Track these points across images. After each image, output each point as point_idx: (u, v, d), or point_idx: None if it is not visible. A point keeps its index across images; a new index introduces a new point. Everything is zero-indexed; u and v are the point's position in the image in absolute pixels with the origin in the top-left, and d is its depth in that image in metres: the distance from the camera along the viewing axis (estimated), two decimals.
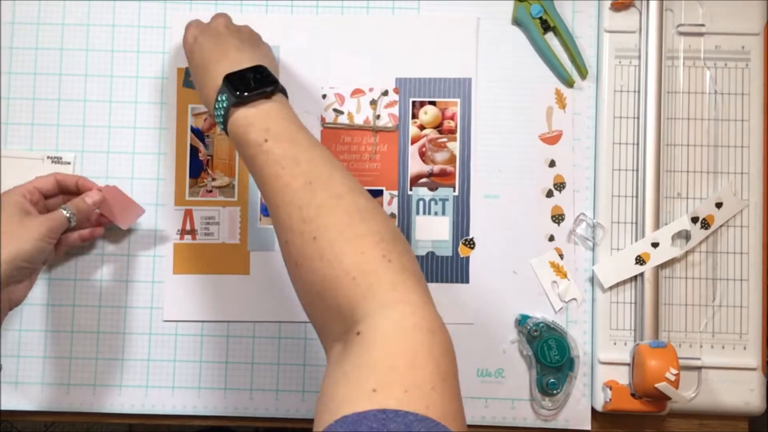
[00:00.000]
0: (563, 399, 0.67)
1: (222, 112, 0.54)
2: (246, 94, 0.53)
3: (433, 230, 0.70)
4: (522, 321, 0.67)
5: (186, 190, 0.70)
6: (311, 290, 0.47)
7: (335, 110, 0.70)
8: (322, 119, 0.70)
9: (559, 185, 0.70)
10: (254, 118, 0.52)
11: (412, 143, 0.70)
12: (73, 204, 0.62)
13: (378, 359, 0.40)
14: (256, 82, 0.54)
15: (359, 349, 0.41)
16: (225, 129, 0.54)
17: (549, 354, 0.66)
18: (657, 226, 0.67)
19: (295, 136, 0.52)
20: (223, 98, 0.54)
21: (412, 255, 0.48)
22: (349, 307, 0.44)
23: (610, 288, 0.68)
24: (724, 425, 0.69)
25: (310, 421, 0.69)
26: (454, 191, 0.70)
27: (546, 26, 0.69)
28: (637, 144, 0.68)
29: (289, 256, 0.48)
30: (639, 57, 0.69)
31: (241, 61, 0.56)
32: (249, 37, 0.62)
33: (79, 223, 0.62)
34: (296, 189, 0.48)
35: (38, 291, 0.69)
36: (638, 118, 0.68)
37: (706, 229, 0.67)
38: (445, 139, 0.70)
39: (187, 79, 0.70)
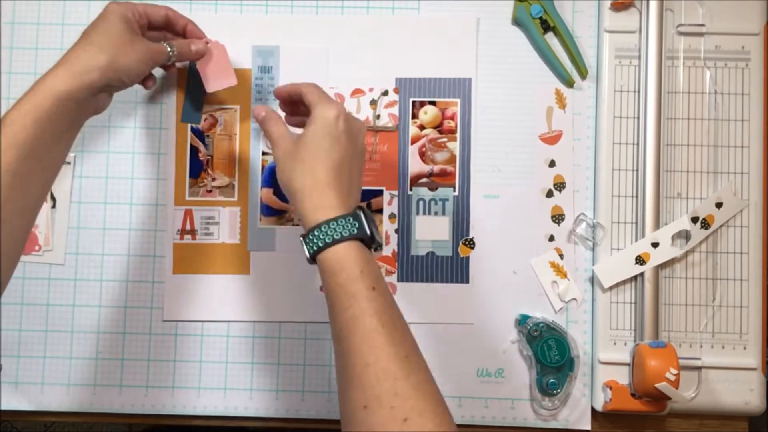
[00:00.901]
0: (563, 399, 0.67)
1: (339, 236, 0.51)
2: (375, 238, 0.52)
3: (433, 230, 0.70)
4: (522, 321, 0.67)
5: (186, 190, 0.70)
6: None
7: None
8: None
9: (559, 185, 0.70)
10: (367, 262, 0.51)
11: (412, 143, 0.70)
12: (177, 43, 0.63)
13: None
14: (377, 231, 0.53)
15: None
16: (322, 248, 0.51)
17: (549, 354, 0.66)
18: (657, 226, 0.67)
19: (393, 299, 0.52)
20: (354, 225, 0.51)
21: None
22: None
23: (610, 288, 0.68)
24: (724, 425, 0.69)
25: (310, 421, 0.69)
26: (454, 191, 0.70)
27: (546, 26, 0.69)
28: (637, 144, 0.68)
29: (362, 423, 0.45)
30: (639, 57, 0.69)
31: (359, 199, 0.56)
32: (362, 169, 0.59)
33: (179, 60, 0.64)
34: (393, 357, 0.47)
35: (38, 291, 0.69)
36: (638, 118, 0.68)
37: (706, 229, 0.67)
38: (445, 139, 0.70)
39: (186, 110, 0.70)
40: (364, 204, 0.53)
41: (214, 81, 0.66)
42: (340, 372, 0.49)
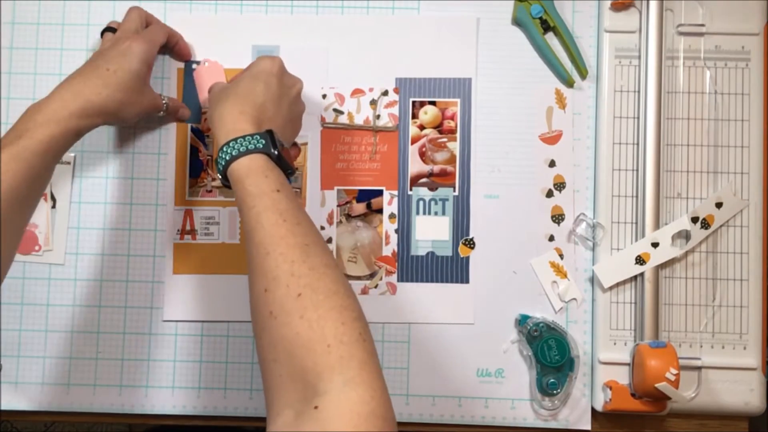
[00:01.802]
0: (563, 399, 0.67)
1: (245, 149, 0.54)
2: (280, 154, 0.55)
3: (433, 230, 0.70)
4: (522, 321, 0.67)
5: (186, 190, 0.70)
6: (279, 345, 0.46)
7: (335, 110, 0.70)
8: (322, 119, 0.70)
9: (559, 185, 0.70)
10: (272, 170, 0.54)
11: (412, 143, 0.70)
12: (170, 103, 0.68)
13: None
14: (287, 154, 0.57)
15: (313, 424, 0.42)
16: (229, 161, 0.54)
17: (549, 354, 0.66)
18: (657, 226, 0.67)
19: (300, 203, 0.55)
20: (260, 140, 0.54)
21: (373, 341, 0.49)
22: (315, 373, 0.44)
23: (610, 288, 0.68)
24: (724, 425, 0.69)
25: None
26: (454, 191, 0.70)
27: (546, 26, 0.69)
28: (637, 144, 0.68)
29: (265, 304, 0.48)
30: (639, 57, 0.69)
31: (285, 128, 0.60)
32: (300, 112, 0.65)
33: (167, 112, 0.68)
34: (292, 244, 0.49)
35: (38, 291, 0.69)
36: (638, 118, 0.68)
37: (706, 229, 0.67)
38: (445, 139, 0.70)
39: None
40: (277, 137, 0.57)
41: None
42: (248, 267, 0.51)
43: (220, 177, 0.55)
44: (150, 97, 0.64)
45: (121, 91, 0.60)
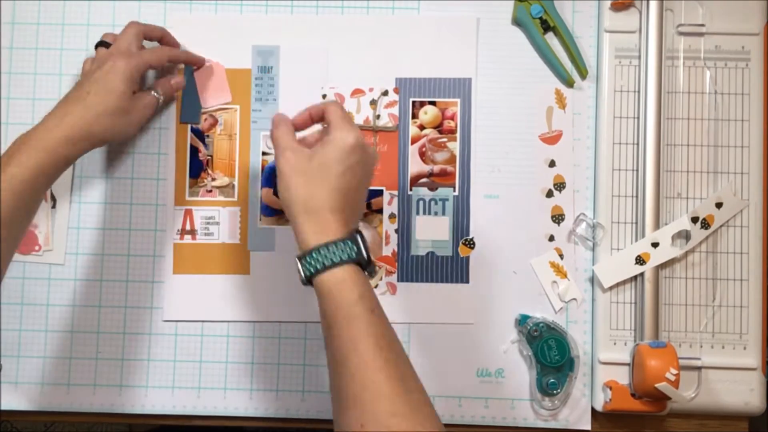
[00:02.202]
0: (563, 399, 0.67)
1: (339, 259, 0.51)
2: (371, 263, 0.52)
3: (433, 230, 0.70)
4: (522, 321, 0.67)
5: (186, 190, 0.70)
6: None
7: None
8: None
9: (559, 185, 0.70)
10: (364, 284, 0.51)
11: (412, 143, 0.70)
12: (160, 85, 0.66)
13: None
14: (367, 249, 0.53)
15: None
16: (319, 271, 0.51)
17: (549, 354, 0.66)
18: (657, 226, 0.67)
19: (388, 321, 0.52)
20: (352, 247, 0.51)
21: None
22: None
23: (610, 288, 0.68)
24: (724, 425, 0.69)
25: (310, 421, 0.69)
26: (454, 191, 0.70)
27: (546, 26, 0.69)
28: (637, 144, 0.68)
29: None
30: (639, 57, 0.69)
31: (362, 203, 0.57)
32: (365, 196, 0.59)
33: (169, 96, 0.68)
34: (391, 378, 0.47)
35: (38, 290, 0.69)
36: (638, 118, 0.68)
37: (706, 229, 0.67)
38: (445, 139, 0.70)
39: (186, 110, 0.70)
40: (359, 226, 0.54)
41: (211, 98, 0.69)
42: (337, 393, 0.49)
43: (302, 279, 0.52)
44: (141, 106, 0.63)
45: (105, 115, 0.59)
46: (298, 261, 0.52)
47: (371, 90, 0.70)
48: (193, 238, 0.70)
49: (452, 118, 0.70)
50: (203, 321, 0.69)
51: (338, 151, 0.53)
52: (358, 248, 0.52)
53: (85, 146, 0.59)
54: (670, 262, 0.67)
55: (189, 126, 0.70)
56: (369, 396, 0.47)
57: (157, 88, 0.65)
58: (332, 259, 0.51)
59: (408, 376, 0.49)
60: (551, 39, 0.70)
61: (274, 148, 0.56)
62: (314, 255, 0.51)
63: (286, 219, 0.69)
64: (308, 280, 0.52)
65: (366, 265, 0.52)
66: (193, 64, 0.69)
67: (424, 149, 0.70)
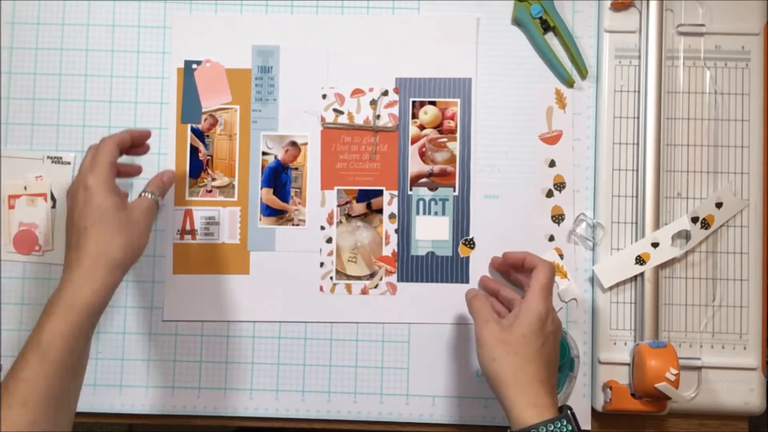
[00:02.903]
0: (563, 399, 0.67)
1: None
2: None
3: (433, 230, 0.70)
4: None
5: (186, 190, 0.70)
6: None
7: (335, 110, 0.70)
8: (322, 119, 0.70)
9: (559, 185, 0.70)
10: None
11: (412, 143, 0.70)
12: (155, 187, 0.62)
13: None
14: (578, 425, 0.54)
15: None
16: None
17: None
18: (657, 226, 0.67)
19: None
20: (568, 427, 0.52)
21: None
22: None
23: (610, 288, 0.68)
24: (724, 425, 0.69)
25: (310, 420, 0.69)
26: (454, 191, 0.70)
27: (546, 26, 0.69)
28: (637, 144, 0.68)
29: None
30: (639, 57, 0.69)
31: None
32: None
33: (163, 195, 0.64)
34: None
35: (39, 290, 0.69)
36: (638, 118, 0.68)
37: (706, 229, 0.67)
38: (445, 139, 0.70)
39: (186, 111, 0.70)
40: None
41: (210, 99, 0.69)
42: None
43: None
44: (142, 214, 0.58)
45: (118, 242, 0.55)
46: None
47: (371, 90, 0.70)
48: (193, 238, 0.70)
49: (452, 118, 0.70)
50: (203, 321, 0.69)
51: (536, 322, 0.56)
52: (572, 426, 0.52)
53: (118, 279, 0.55)
54: (670, 262, 0.67)
55: (189, 126, 0.70)
56: None
57: (150, 189, 0.61)
58: None
59: None
60: (551, 39, 0.70)
61: (475, 319, 0.59)
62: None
63: (287, 219, 0.69)
64: None
65: None
66: (143, 138, 0.64)
67: (424, 149, 0.70)
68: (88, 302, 0.53)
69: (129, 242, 0.56)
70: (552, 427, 0.52)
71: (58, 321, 0.52)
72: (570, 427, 0.52)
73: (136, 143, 0.63)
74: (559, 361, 0.60)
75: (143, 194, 0.61)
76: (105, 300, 0.54)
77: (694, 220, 0.67)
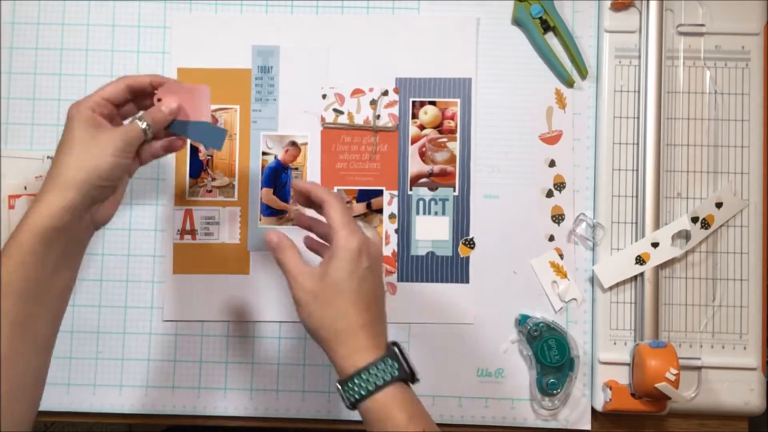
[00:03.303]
0: (563, 399, 0.67)
1: (382, 382, 0.49)
2: (415, 375, 0.51)
3: (433, 230, 0.70)
4: (522, 321, 0.67)
5: (186, 190, 0.70)
6: None
7: (335, 110, 0.70)
8: (322, 119, 0.70)
9: (559, 185, 0.70)
10: (413, 403, 0.50)
11: (412, 143, 0.70)
12: (149, 114, 0.56)
13: None
14: (408, 361, 0.51)
15: None
16: (364, 397, 0.49)
17: (549, 354, 0.66)
18: (657, 226, 0.67)
19: (432, 425, 0.50)
20: (393, 367, 0.49)
21: None
22: None
23: (610, 288, 0.68)
24: (724, 425, 0.69)
25: (310, 421, 0.69)
26: (454, 191, 0.70)
27: (546, 26, 0.69)
28: (637, 144, 0.68)
29: None
30: (639, 57, 0.69)
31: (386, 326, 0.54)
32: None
33: (158, 133, 0.57)
34: None
35: None
36: (638, 118, 0.68)
37: (706, 229, 0.67)
38: (445, 139, 0.70)
39: (207, 137, 0.63)
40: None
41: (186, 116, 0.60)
42: None
43: (347, 406, 0.50)
44: (111, 136, 0.53)
45: (69, 156, 0.51)
46: (339, 387, 0.50)
47: (371, 90, 0.70)
48: (193, 238, 0.70)
49: (452, 118, 0.70)
50: (203, 321, 0.69)
51: (347, 263, 0.51)
52: (399, 363, 0.50)
53: (70, 199, 0.50)
54: (670, 262, 0.67)
55: None
56: None
57: (145, 117, 0.56)
58: (375, 383, 0.49)
59: None
60: (551, 39, 0.70)
61: (284, 273, 0.53)
62: (355, 380, 0.49)
63: (287, 219, 0.69)
64: (352, 406, 0.50)
65: (411, 379, 0.51)
66: (160, 84, 0.58)
67: (424, 149, 0.70)
68: (36, 224, 0.49)
69: (85, 162, 0.51)
70: (375, 370, 0.49)
71: (9, 245, 0.49)
72: (396, 365, 0.49)
73: (155, 88, 0.57)
74: (384, 296, 0.54)
75: (133, 120, 0.56)
76: (58, 221, 0.49)
77: (694, 220, 0.67)
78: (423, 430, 0.48)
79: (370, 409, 0.49)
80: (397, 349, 0.51)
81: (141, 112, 0.57)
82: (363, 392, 0.49)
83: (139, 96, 0.58)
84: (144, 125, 0.55)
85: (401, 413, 0.48)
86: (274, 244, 0.54)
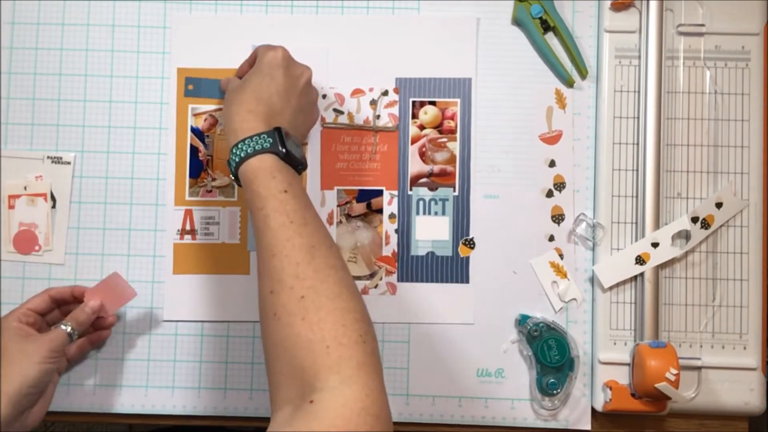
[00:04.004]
0: (563, 399, 0.67)
1: (252, 150, 0.54)
2: (290, 153, 0.55)
3: (433, 230, 0.70)
4: (522, 321, 0.67)
5: (186, 190, 0.70)
6: (281, 345, 0.48)
7: (335, 110, 0.70)
8: (322, 119, 0.70)
9: (559, 185, 0.70)
10: (280, 171, 0.54)
11: (412, 143, 0.70)
12: (72, 318, 0.61)
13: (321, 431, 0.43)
14: (297, 151, 0.57)
15: (307, 417, 0.43)
16: (239, 162, 0.55)
17: (549, 354, 0.66)
18: (657, 226, 0.67)
19: (308, 201, 0.55)
20: (267, 139, 0.55)
21: (377, 342, 0.50)
22: (313, 372, 0.45)
23: (610, 288, 0.68)
24: (724, 425, 0.69)
25: None
26: (454, 191, 0.70)
27: (546, 26, 0.69)
28: (637, 144, 0.68)
29: (270, 306, 0.49)
30: (639, 57, 0.69)
31: (296, 119, 0.61)
32: (312, 101, 0.65)
33: (82, 333, 0.62)
34: (298, 246, 0.50)
35: (39, 290, 0.69)
36: (638, 118, 0.68)
37: (706, 229, 0.67)
38: (445, 139, 0.70)
39: (187, 88, 0.70)
40: (288, 133, 0.58)
41: (114, 306, 0.65)
42: (258, 269, 0.52)
43: (233, 178, 0.56)
44: (36, 344, 0.58)
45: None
46: (227, 163, 0.57)
47: (371, 90, 0.70)
48: (193, 238, 0.70)
49: (452, 118, 0.70)
50: (203, 321, 0.69)
51: (259, 65, 0.60)
52: (274, 140, 0.55)
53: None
54: (670, 262, 0.67)
55: (189, 126, 0.70)
56: (277, 263, 0.50)
57: (66, 320, 0.60)
58: (247, 151, 0.54)
59: (319, 244, 0.51)
60: (551, 39, 0.70)
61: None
62: (234, 150, 0.55)
63: None
64: (236, 178, 0.56)
65: (285, 158, 0.55)
66: (82, 295, 0.63)
67: (424, 149, 0.70)
68: None
69: (14, 373, 0.55)
70: (249, 141, 0.55)
71: None
72: (270, 140, 0.55)
73: (77, 298, 0.63)
74: (302, 101, 0.62)
75: (58, 326, 0.60)
76: None
77: (694, 220, 0.67)
78: (282, 189, 0.53)
79: (243, 173, 0.55)
80: (277, 133, 0.56)
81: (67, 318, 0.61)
82: (237, 159, 0.55)
83: (63, 303, 0.64)
84: (69, 329, 0.60)
85: (266, 176, 0.53)
86: (224, 82, 0.67)
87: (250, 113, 0.57)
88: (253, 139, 0.55)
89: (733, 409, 0.67)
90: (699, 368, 0.67)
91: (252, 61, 0.64)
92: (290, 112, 0.60)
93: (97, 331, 0.66)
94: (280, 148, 0.55)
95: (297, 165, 0.57)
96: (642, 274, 0.67)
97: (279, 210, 0.52)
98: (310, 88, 0.63)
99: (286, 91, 0.60)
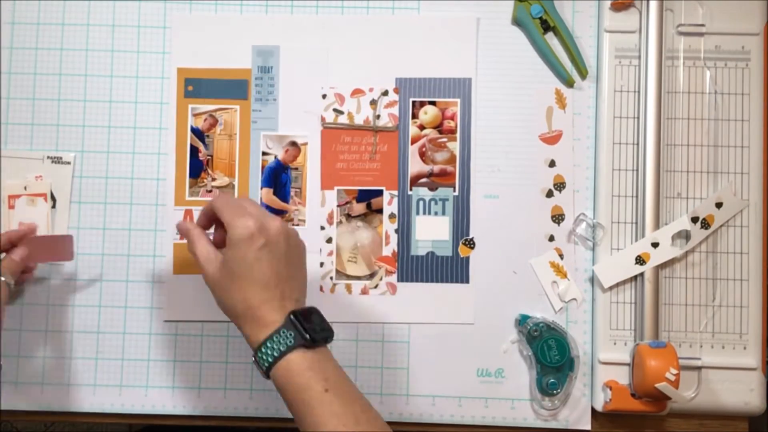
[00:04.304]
0: (563, 399, 0.67)
1: (279, 350, 0.52)
2: (315, 339, 0.52)
3: (433, 230, 0.70)
4: (522, 321, 0.67)
5: (186, 190, 0.70)
6: None
7: (335, 110, 0.70)
8: (322, 119, 0.70)
9: (559, 185, 0.70)
10: (312, 363, 0.52)
11: (412, 143, 0.70)
12: (4, 267, 0.61)
13: None
14: (319, 326, 0.54)
15: None
16: (269, 367, 0.52)
17: (549, 354, 0.66)
18: (657, 226, 0.67)
19: (352, 391, 0.53)
20: (289, 336, 0.52)
21: None
22: None
23: (610, 288, 0.68)
24: (724, 425, 0.69)
25: None
26: (454, 191, 0.70)
27: (546, 26, 0.69)
28: (637, 144, 0.68)
29: None
30: (639, 57, 0.69)
31: (301, 294, 0.56)
32: (302, 263, 0.58)
33: (18, 276, 0.63)
34: None
35: (38, 291, 0.69)
36: (638, 118, 0.68)
37: (706, 229, 0.67)
38: (445, 139, 0.70)
39: (187, 89, 0.70)
40: (298, 306, 0.55)
41: (43, 258, 0.66)
42: None
43: (264, 377, 0.53)
44: None
45: None
46: (253, 362, 0.54)
47: (371, 90, 0.70)
48: None
49: (452, 118, 0.70)
50: (203, 321, 0.69)
51: (239, 249, 0.53)
52: (295, 332, 0.52)
53: None
54: (670, 262, 0.67)
55: (189, 126, 0.70)
56: None
57: (4, 271, 0.61)
58: (273, 354, 0.52)
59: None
60: (551, 39, 0.70)
61: (195, 261, 0.56)
62: (259, 354, 0.52)
63: (287, 219, 0.69)
64: (268, 377, 0.53)
65: (313, 343, 0.52)
66: (18, 238, 0.64)
67: (424, 149, 0.70)
68: None
69: None
70: (271, 343, 0.52)
71: None
72: (292, 334, 0.52)
73: (12, 240, 0.63)
74: (293, 263, 0.55)
75: None
76: None
77: (694, 220, 0.67)
78: (323, 388, 0.51)
79: (276, 377, 0.52)
80: (293, 318, 0.53)
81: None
82: (266, 364, 0.52)
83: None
84: (5, 278, 0.61)
85: (299, 377, 0.51)
86: (184, 231, 0.58)
87: (263, 306, 0.53)
88: (274, 339, 0.52)
89: (733, 409, 0.67)
90: (699, 368, 0.67)
91: (210, 216, 0.58)
92: (296, 273, 0.56)
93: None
94: (306, 337, 0.52)
95: (326, 339, 0.54)
96: (642, 274, 0.67)
97: (326, 414, 0.50)
98: (298, 240, 0.58)
99: (285, 259, 0.55)
